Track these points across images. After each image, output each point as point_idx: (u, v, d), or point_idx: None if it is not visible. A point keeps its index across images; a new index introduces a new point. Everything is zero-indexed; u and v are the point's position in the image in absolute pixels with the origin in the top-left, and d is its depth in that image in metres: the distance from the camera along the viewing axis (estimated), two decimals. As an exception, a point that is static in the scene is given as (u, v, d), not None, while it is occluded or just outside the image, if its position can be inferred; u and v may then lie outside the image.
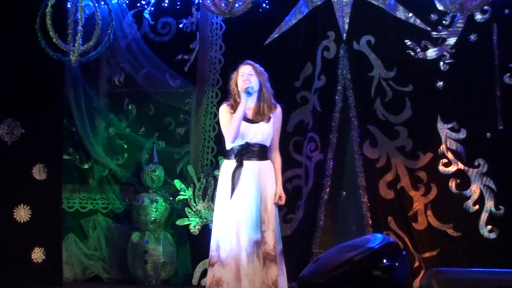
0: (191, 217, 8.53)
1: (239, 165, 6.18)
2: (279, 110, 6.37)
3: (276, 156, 6.37)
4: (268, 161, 6.29)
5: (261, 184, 6.18)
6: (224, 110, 6.33)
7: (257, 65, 6.35)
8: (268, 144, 6.31)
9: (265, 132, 6.23)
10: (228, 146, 6.29)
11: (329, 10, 8.51)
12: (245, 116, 6.21)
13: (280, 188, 6.29)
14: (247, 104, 6.22)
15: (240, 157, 6.20)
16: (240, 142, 6.22)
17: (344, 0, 8.47)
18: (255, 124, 6.23)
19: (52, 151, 8.24)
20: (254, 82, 6.24)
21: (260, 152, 6.25)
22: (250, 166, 6.18)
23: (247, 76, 6.24)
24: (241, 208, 6.12)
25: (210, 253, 6.25)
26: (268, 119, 6.26)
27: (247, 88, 6.17)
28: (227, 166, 6.27)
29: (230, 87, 6.40)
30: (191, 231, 8.53)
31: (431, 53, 8.28)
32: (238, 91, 6.27)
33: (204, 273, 8.39)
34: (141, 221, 8.82)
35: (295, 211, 8.37)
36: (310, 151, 8.48)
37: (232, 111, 6.25)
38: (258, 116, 6.25)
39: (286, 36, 8.67)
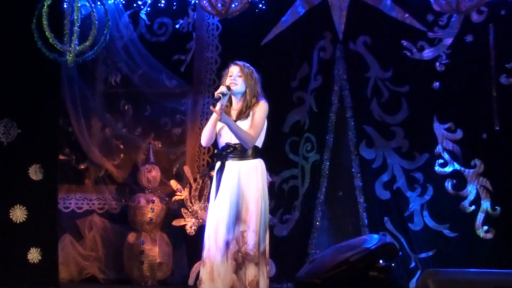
0: (187, 218, 8.53)
1: (221, 166, 6.15)
2: (260, 103, 6.18)
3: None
4: (252, 160, 6.16)
5: (242, 183, 6.10)
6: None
7: (246, 66, 6.26)
8: None
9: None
10: (207, 145, 6.32)
11: (326, 11, 8.52)
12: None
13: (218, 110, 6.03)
14: (233, 106, 6.21)
15: (222, 158, 6.17)
16: (221, 143, 6.21)
17: (340, 0, 8.48)
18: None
19: (48, 151, 8.23)
20: (240, 84, 6.18)
21: (241, 151, 6.16)
22: (231, 166, 6.13)
23: (235, 78, 6.19)
24: (220, 208, 6.09)
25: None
26: (247, 117, 6.16)
27: (218, 93, 6.07)
28: (216, 167, 6.25)
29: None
30: (187, 231, 8.52)
31: (428, 53, 8.30)
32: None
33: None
34: (137, 221, 8.81)
35: (291, 211, 8.38)
36: (307, 152, 8.49)
37: None
38: (240, 116, 6.18)
39: (283, 36, 8.67)
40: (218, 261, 6.00)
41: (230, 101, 6.19)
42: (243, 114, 6.16)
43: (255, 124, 6.11)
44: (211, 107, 5.99)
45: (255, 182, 6.14)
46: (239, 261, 6.02)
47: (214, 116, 6.09)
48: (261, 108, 6.17)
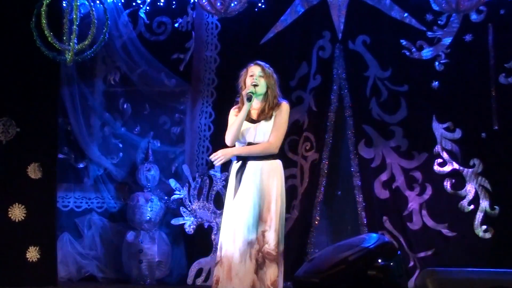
0: (186, 217, 8.53)
1: (242, 165, 6.21)
2: (283, 105, 6.32)
3: (265, 142, 6.27)
4: (274, 161, 6.26)
5: (264, 184, 6.18)
6: (231, 113, 6.40)
7: (266, 66, 6.36)
8: None
9: (266, 131, 6.23)
10: (233, 145, 6.34)
11: (325, 10, 8.53)
12: (249, 117, 6.27)
13: (229, 152, 6.25)
14: (253, 106, 6.28)
15: (244, 157, 6.24)
16: (242, 142, 6.26)
17: (339, 0, 8.48)
18: (256, 123, 6.25)
19: (47, 150, 8.23)
20: (261, 84, 6.27)
21: None
22: (253, 166, 6.20)
23: (257, 77, 6.27)
24: (240, 208, 6.14)
25: (217, 252, 6.32)
26: (270, 117, 6.26)
27: (248, 93, 6.17)
28: (234, 166, 6.33)
29: (238, 85, 6.42)
30: (186, 230, 8.52)
31: (427, 53, 8.30)
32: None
33: (199, 273, 8.40)
34: (136, 220, 8.81)
35: (290, 210, 8.37)
36: (305, 151, 8.49)
37: (237, 115, 6.28)
38: (261, 116, 6.28)
39: (282, 35, 8.67)
40: (237, 260, 6.06)
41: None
42: (266, 114, 6.26)
43: (278, 127, 6.25)
44: (244, 102, 6.17)
45: (275, 183, 6.23)
46: (260, 261, 6.09)
47: (240, 116, 6.18)
48: (285, 110, 6.31)
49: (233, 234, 6.11)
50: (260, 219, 6.13)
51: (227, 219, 6.22)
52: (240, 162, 6.24)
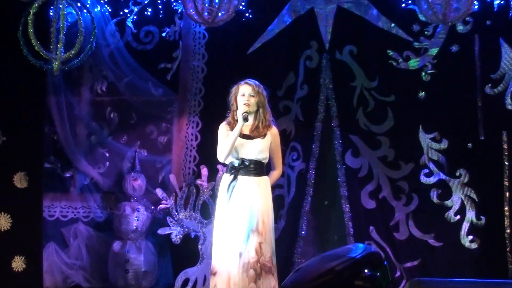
0: (173, 226, 8.50)
1: (234, 179, 6.45)
2: (274, 130, 6.64)
3: (275, 171, 6.74)
4: (264, 177, 6.57)
5: (256, 198, 6.44)
6: (221, 129, 6.62)
7: (257, 85, 6.58)
8: (263, 160, 6.56)
9: (260, 148, 6.49)
10: (226, 161, 6.58)
11: (312, 20, 8.53)
12: (242, 133, 6.47)
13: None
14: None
15: (235, 171, 6.48)
16: (235, 157, 6.49)
17: (327, 10, 8.49)
18: (250, 140, 6.50)
19: (34, 159, 8.19)
20: (252, 104, 6.49)
21: (256, 168, 6.52)
22: (245, 181, 6.46)
23: (248, 97, 6.50)
24: (235, 220, 6.35)
25: (212, 262, 6.51)
26: (264, 136, 6.52)
27: (244, 113, 6.42)
28: (224, 179, 6.56)
29: (229, 101, 6.65)
30: (173, 240, 8.49)
31: (413, 63, 8.32)
32: (237, 107, 6.53)
33: (185, 283, 8.37)
34: (123, 230, 8.78)
35: (277, 220, 8.34)
36: (292, 161, 8.49)
37: (229, 130, 6.54)
38: (255, 132, 6.52)
39: (269, 45, 8.67)
40: (235, 271, 6.29)
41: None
42: (259, 132, 6.52)
43: (279, 156, 6.72)
44: (236, 119, 6.48)
45: (266, 197, 6.53)
46: (258, 272, 6.31)
47: (234, 134, 6.41)
48: (278, 138, 6.68)
49: (230, 245, 6.32)
50: (255, 231, 6.36)
51: (221, 230, 6.42)
52: (232, 175, 6.46)
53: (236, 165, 6.50)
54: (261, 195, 6.46)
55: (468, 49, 8.21)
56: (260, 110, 6.53)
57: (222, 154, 6.49)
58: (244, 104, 6.46)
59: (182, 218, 8.47)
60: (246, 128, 6.52)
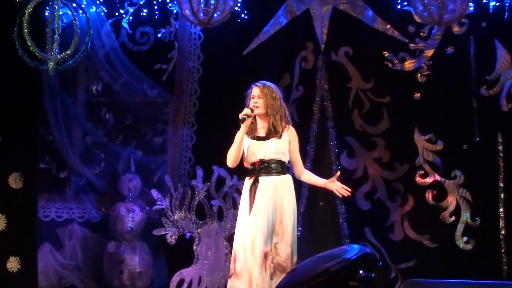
0: (168, 227, 8.49)
1: (255, 181, 6.51)
2: (292, 129, 6.69)
3: (303, 172, 6.80)
4: (285, 175, 6.61)
5: (276, 198, 6.49)
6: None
7: (266, 86, 6.64)
8: (284, 159, 6.61)
9: (277, 147, 6.54)
10: (246, 164, 6.66)
11: (308, 21, 8.54)
12: (255, 135, 6.58)
13: (328, 182, 6.78)
14: (258, 124, 6.62)
15: (256, 174, 6.53)
16: (253, 159, 6.56)
17: (322, 11, 8.50)
18: (266, 140, 6.55)
19: (29, 159, 8.18)
20: (261, 106, 6.55)
21: (277, 167, 6.57)
22: (266, 181, 6.50)
23: (256, 99, 6.58)
24: (256, 222, 6.42)
25: (230, 265, 6.58)
26: (280, 136, 6.57)
27: (240, 116, 6.47)
28: (246, 183, 6.61)
29: (246, 103, 6.70)
30: (168, 241, 8.48)
31: (409, 64, 8.32)
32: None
33: (180, 283, 8.37)
34: (118, 230, 8.79)
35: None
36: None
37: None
38: (271, 133, 6.57)
39: (265, 46, 8.67)
40: (257, 272, 6.37)
41: (255, 117, 6.61)
42: (274, 133, 6.57)
43: (298, 155, 6.76)
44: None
45: (288, 196, 6.57)
46: (272, 272, 6.41)
47: (239, 136, 6.50)
48: (295, 137, 6.72)
49: (251, 248, 6.39)
50: (273, 232, 6.45)
51: (243, 233, 6.47)
52: (253, 178, 6.52)
53: (255, 167, 6.55)
54: (279, 194, 6.50)
55: (464, 50, 8.22)
56: (269, 110, 6.56)
57: (228, 158, 6.57)
58: (252, 107, 6.54)
59: (177, 218, 8.47)
60: (262, 131, 6.60)
